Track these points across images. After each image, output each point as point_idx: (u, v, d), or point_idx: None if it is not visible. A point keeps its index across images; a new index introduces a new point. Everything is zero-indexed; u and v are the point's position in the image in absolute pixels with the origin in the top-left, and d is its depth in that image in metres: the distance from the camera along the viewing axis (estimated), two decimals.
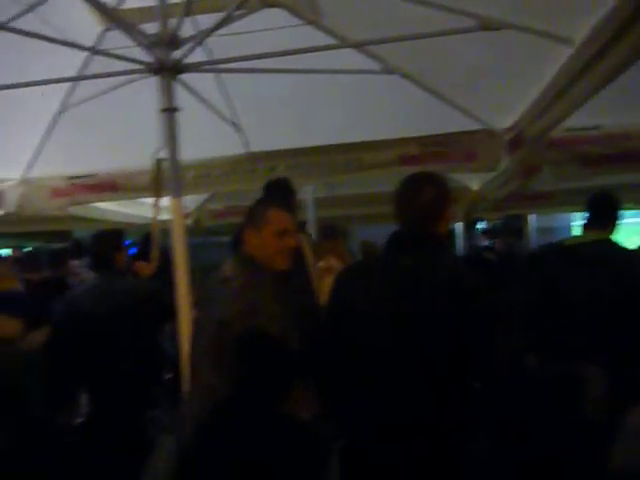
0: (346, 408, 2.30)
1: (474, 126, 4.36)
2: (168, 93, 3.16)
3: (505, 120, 4.18)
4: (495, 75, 3.80)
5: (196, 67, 3.29)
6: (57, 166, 4.88)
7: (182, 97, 3.48)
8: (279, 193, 3.74)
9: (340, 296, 2.34)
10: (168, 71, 3.15)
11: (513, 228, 8.14)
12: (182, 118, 3.30)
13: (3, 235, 9.43)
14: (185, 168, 4.03)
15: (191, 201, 7.26)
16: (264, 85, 4.34)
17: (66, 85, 4.25)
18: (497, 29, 3.04)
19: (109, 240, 3.79)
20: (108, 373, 3.63)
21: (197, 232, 7.91)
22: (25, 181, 4.96)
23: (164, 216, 6.82)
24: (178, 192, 3.20)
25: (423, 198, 2.28)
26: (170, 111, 3.15)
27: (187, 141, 3.30)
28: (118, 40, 3.80)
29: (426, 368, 2.14)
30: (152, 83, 3.78)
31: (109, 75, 3.50)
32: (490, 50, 3.54)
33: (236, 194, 6.72)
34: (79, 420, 3.92)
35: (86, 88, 4.22)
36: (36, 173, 4.92)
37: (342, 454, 2.32)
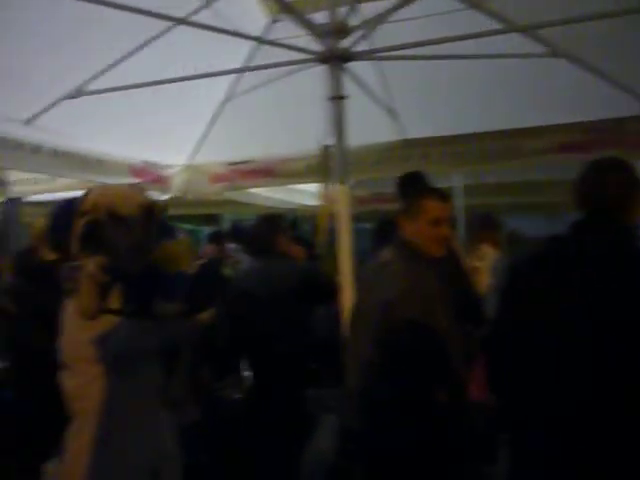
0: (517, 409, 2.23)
1: None
2: (337, 81, 3.22)
3: None
4: None
5: (365, 55, 3.33)
6: (219, 153, 5.12)
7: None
8: (414, 186, 3.71)
9: (519, 288, 2.26)
10: (337, 60, 3.20)
11: None
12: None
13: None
14: None
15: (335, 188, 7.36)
16: (423, 72, 4.31)
17: (231, 77, 4.44)
18: None
19: (270, 224, 3.91)
20: (265, 353, 3.78)
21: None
22: (189, 167, 5.26)
23: (311, 202, 7.08)
24: (345, 178, 3.25)
25: (611, 185, 2.16)
26: (338, 99, 3.21)
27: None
28: (281, 32, 3.95)
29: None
30: (313, 73, 3.91)
31: (278, 65, 3.61)
32: None
33: (381, 181, 6.73)
34: (239, 396, 4.10)
35: (248, 79, 4.43)
36: (200, 159, 5.19)
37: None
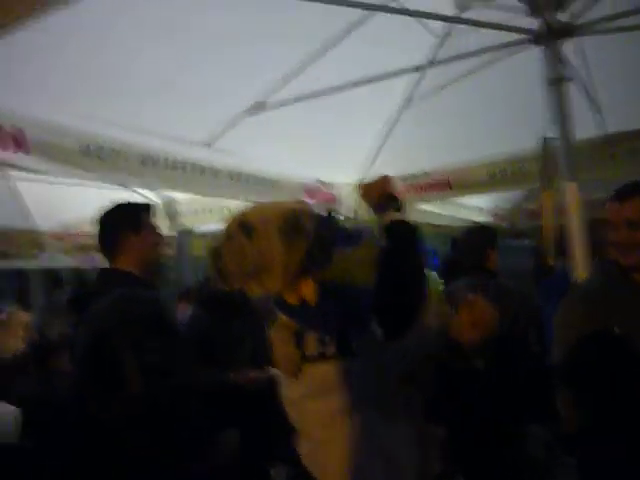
0: None
1: None
2: (556, 61, 2.76)
3: None
4: None
5: (589, 27, 2.83)
6: (394, 167, 4.78)
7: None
8: None
9: None
10: (556, 35, 2.74)
11: None
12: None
13: None
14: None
15: (503, 200, 6.82)
16: (626, 53, 3.74)
17: (409, 81, 4.09)
18: None
19: (483, 236, 3.45)
20: None
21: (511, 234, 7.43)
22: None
23: (481, 218, 6.56)
24: (572, 175, 2.77)
25: None
26: (560, 81, 2.74)
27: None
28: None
29: None
30: (505, 66, 3.49)
31: (481, 52, 3.19)
32: None
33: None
34: None
35: (428, 81, 4.06)
36: (374, 174, 4.87)
37: None
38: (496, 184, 4.58)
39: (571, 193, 2.76)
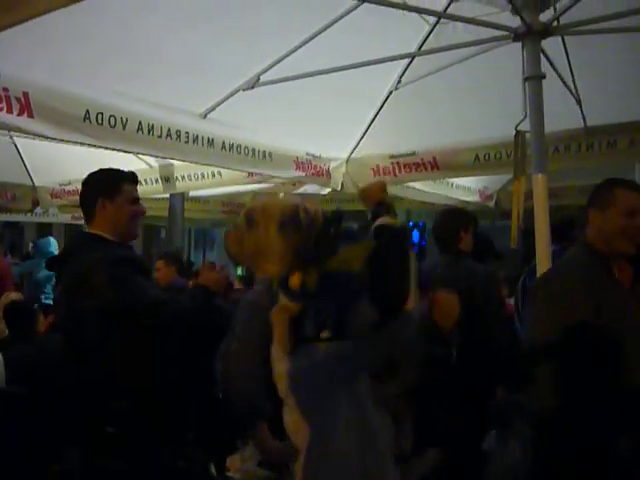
0: None
1: None
2: (535, 59, 2.93)
3: None
4: None
5: (567, 29, 3.00)
6: (382, 145, 4.95)
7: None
8: None
9: None
10: (535, 35, 2.90)
11: None
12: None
13: None
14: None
15: (492, 181, 7.00)
16: (608, 51, 3.89)
17: (401, 63, 4.24)
18: None
19: (455, 219, 3.65)
20: None
21: (497, 215, 7.64)
22: (351, 160, 5.12)
23: (470, 198, 6.74)
24: (542, 167, 2.95)
25: None
26: (536, 79, 2.91)
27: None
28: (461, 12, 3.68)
29: None
30: (489, 56, 3.63)
31: (464, 45, 3.35)
32: None
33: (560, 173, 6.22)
34: None
35: (411, 72, 4.22)
36: (363, 152, 5.04)
37: None
38: (481, 167, 4.75)
39: (539, 184, 2.95)
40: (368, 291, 1.85)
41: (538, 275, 2.82)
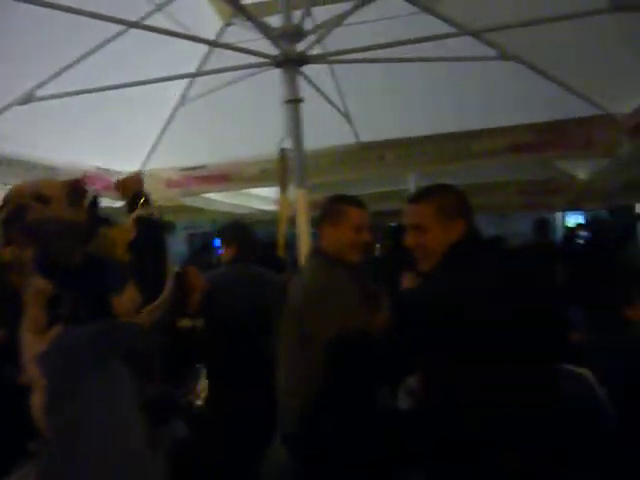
0: None
1: (592, 112, 4.23)
2: (293, 84, 3.23)
3: (626, 106, 4.04)
4: (616, 60, 3.69)
5: (320, 59, 3.34)
6: (173, 158, 5.07)
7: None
8: None
9: None
10: (292, 63, 3.21)
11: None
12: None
13: None
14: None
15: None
16: (375, 75, 4.35)
17: (184, 82, 4.41)
18: (630, 9, 2.94)
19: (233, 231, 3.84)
20: None
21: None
22: (143, 173, 5.18)
23: (268, 207, 7.07)
24: (303, 182, 3.26)
25: None
26: (294, 102, 3.22)
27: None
28: (234, 36, 3.92)
29: None
30: (268, 77, 3.90)
31: (233, 69, 3.59)
32: (612, 35, 3.45)
33: (337, 184, 6.76)
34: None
35: (202, 84, 4.40)
36: (153, 165, 5.13)
37: None
38: (266, 179, 5.04)
39: (301, 199, 3.26)
40: (131, 278, 1.99)
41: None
